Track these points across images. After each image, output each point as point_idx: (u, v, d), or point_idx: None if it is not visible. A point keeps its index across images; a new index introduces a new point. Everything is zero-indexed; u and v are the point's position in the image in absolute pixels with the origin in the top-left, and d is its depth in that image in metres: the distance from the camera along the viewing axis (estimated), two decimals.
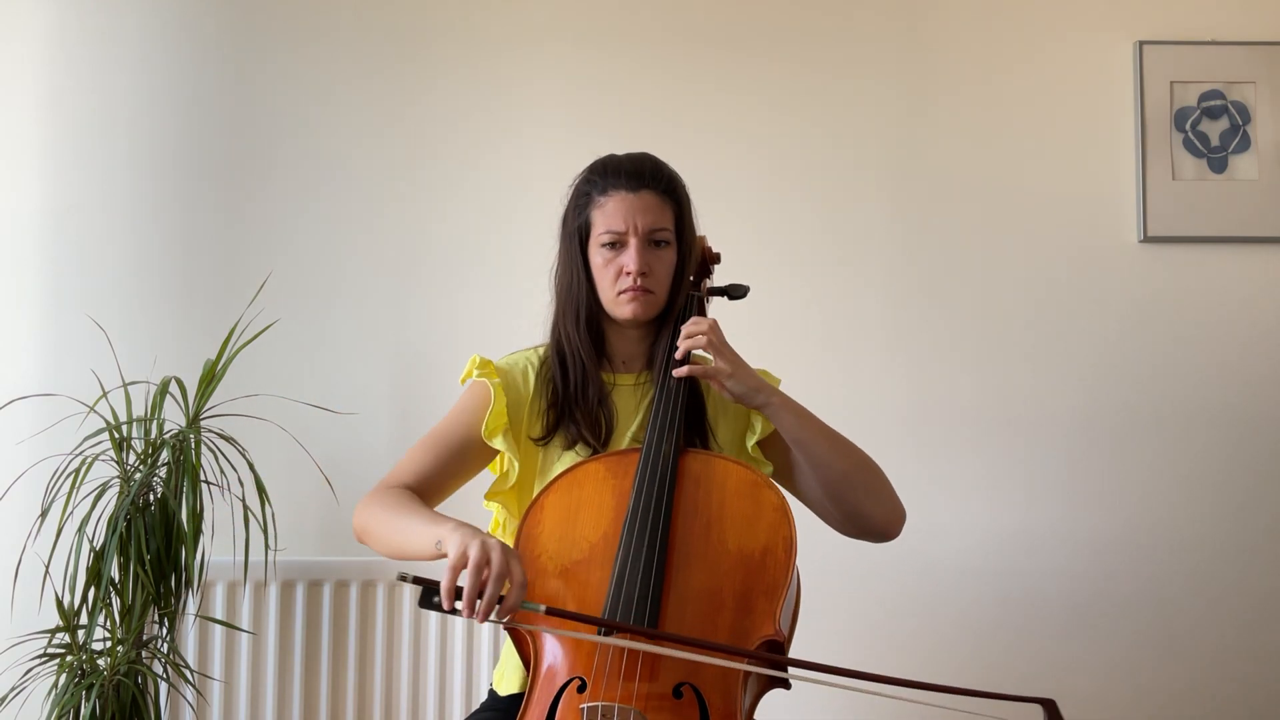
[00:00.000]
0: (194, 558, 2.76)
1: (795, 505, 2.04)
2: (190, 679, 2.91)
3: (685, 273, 2.19)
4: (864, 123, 3.35)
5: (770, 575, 1.90)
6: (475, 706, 2.96)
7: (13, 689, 2.75)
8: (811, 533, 2.16)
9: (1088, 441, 3.30)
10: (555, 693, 1.83)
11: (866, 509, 2.12)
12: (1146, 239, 3.31)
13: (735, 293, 2.29)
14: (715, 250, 2.31)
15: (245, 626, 3.02)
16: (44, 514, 2.78)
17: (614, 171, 2.15)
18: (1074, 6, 3.38)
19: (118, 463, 2.84)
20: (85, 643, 2.76)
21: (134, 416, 2.89)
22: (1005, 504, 3.28)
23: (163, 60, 3.27)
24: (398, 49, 3.31)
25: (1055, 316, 3.32)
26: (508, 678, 2.17)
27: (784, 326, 3.27)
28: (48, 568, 2.77)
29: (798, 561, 1.95)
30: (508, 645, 2.18)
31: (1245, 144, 3.33)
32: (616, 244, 2.12)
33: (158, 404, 2.86)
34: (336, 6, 3.31)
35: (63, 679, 2.74)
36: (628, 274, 2.11)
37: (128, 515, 2.74)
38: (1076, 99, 3.36)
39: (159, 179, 3.25)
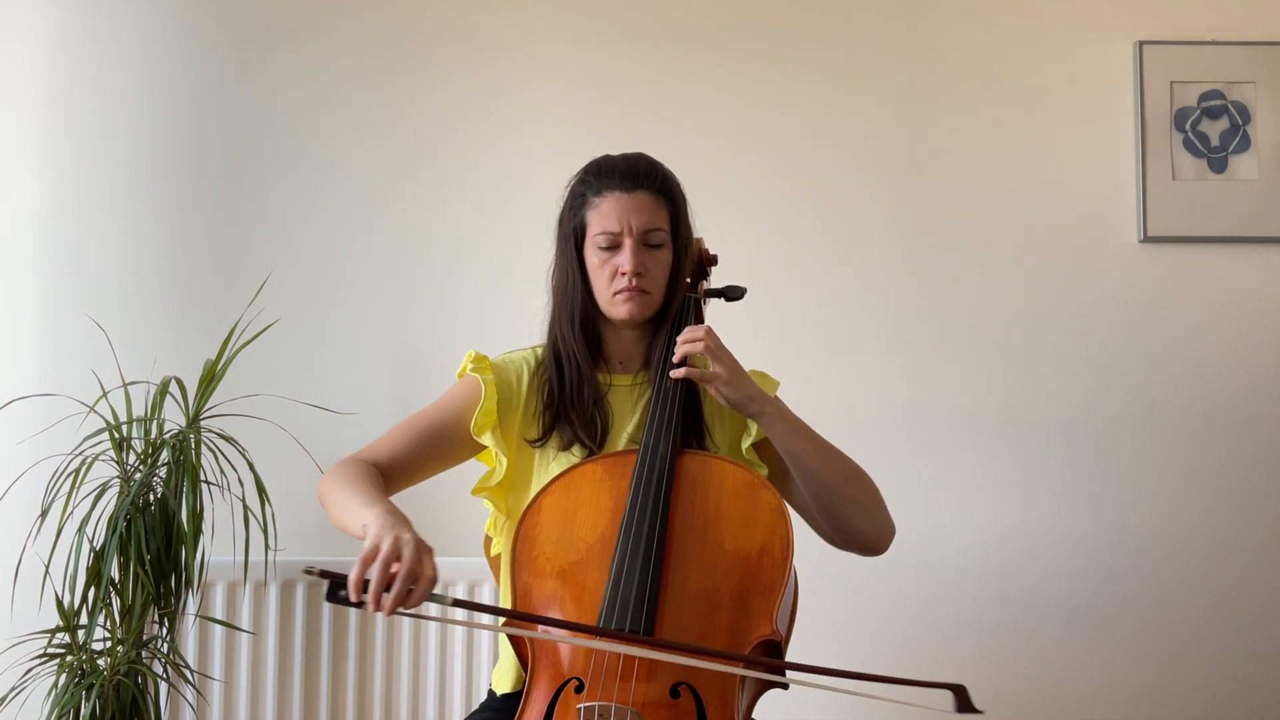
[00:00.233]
0: (194, 558, 2.77)
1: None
2: (190, 679, 2.91)
3: (681, 273, 2.19)
4: (864, 123, 3.35)
5: (767, 575, 1.90)
6: (475, 706, 2.96)
7: (13, 689, 2.75)
8: (809, 533, 2.16)
9: (1087, 441, 3.30)
10: (553, 693, 1.83)
11: (855, 524, 2.11)
12: (1146, 239, 3.31)
13: (732, 294, 2.29)
14: (712, 252, 2.31)
15: (245, 626, 3.03)
16: (44, 514, 2.79)
17: (608, 172, 2.15)
18: (1074, 6, 3.38)
19: (118, 463, 2.84)
20: (85, 643, 2.76)
21: (134, 416, 2.90)
22: (1004, 504, 3.28)
23: (163, 60, 3.28)
24: (398, 49, 3.31)
25: (1055, 317, 3.32)
26: (506, 676, 2.17)
27: (783, 327, 3.27)
28: (48, 568, 2.77)
29: (795, 562, 1.95)
30: (505, 644, 2.18)
31: (1245, 144, 3.32)
32: (612, 245, 2.12)
33: (158, 404, 2.87)
34: (336, 6, 3.31)
35: (63, 679, 2.75)
36: (623, 274, 2.11)
37: (128, 515, 2.75)
38: (1076, 99, 3.36)
39: (159, 179, 3.25)
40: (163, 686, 2.84)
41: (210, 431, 2.89)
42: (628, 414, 2.18)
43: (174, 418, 2.90)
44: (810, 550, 2.20)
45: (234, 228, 3.26)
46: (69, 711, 2.70)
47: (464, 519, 2.90)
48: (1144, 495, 3.29)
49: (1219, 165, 3.32)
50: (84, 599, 2.77)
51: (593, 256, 2.14)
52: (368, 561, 1.74)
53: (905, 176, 3.34)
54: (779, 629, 1.87)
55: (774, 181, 3.33)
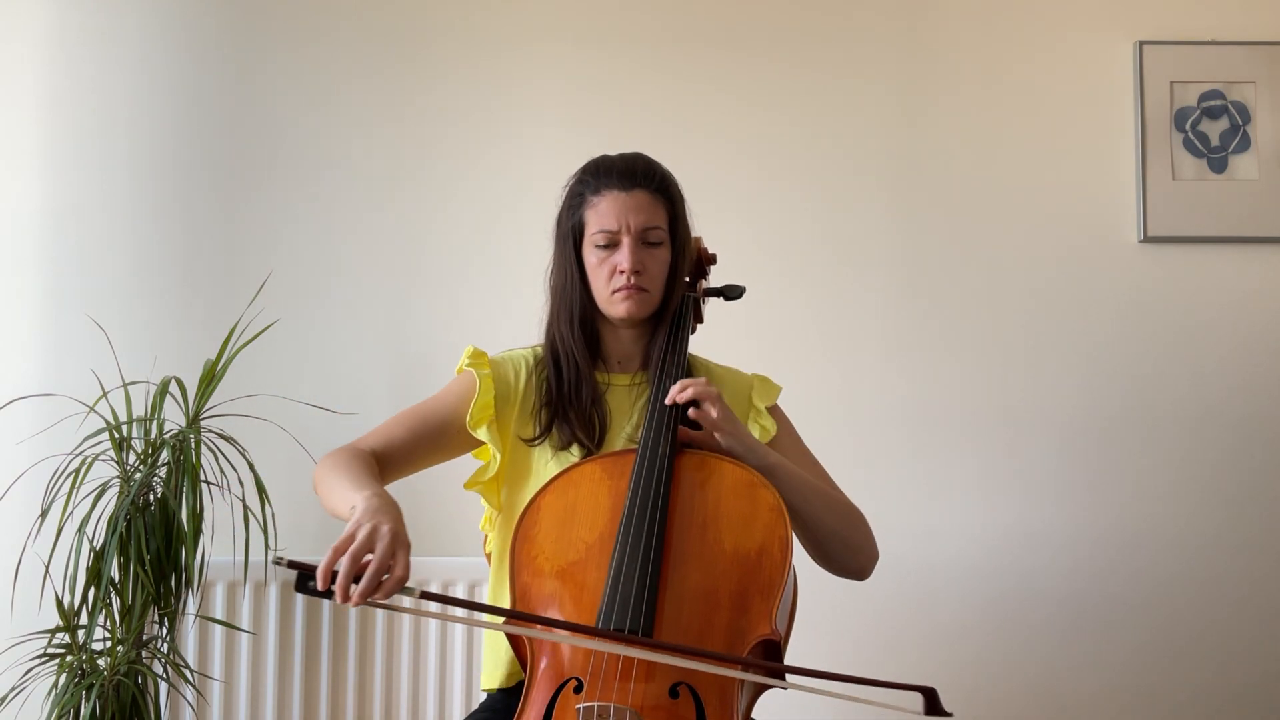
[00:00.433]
0: (194, 558, 2.77)
1: None
2: (190, 679, 2.91)
3: (680, 271, 2.20)
4: (863, 123, 3.35)
5: (766, 575, 1.90)
6: (475, 706, 2.96)
7: (13, 689, 2.75)
8: None
9: (1087, 441, 3.30)
10: (552, 693, 1.83)
11: (844, 560, 2.16)
12: (1146, 239, 3.31)
13: (731, 293, 2.29)
14: (711, 251, 2.32)
15: (245, 626, 3.03)
16: (44, 514, 2.79)
17: (606, 171, 2.16)
18: (1074, 6, 3.38)
19: (118, 463, 2.84)
20: (85, 643, 2.76)
21: (134, 416, 2.90)
22: (1003, 503, 3.28)
23: (163, 60, 3.28)
24: (398, 49, 3.31)
25: (1055, 316, 3.32)
26: (494, 671, 2.18)
27: (783, 327, 3.27)
28: (48, 568, 2.77)
29: (794, 561, 1.95)
30: (489, 640, 2.19)
31: (1245, 144, 3.32)
32: (610, 243, 2.13)
33: (158, 404, 2.87)
34: (336, 6, 3.31)
35: (63, 679, 2.75)
36: (621, 273, 2.11)
37: (128, 515, 2.75)
38: (1076, 99, 3.36)
39: (159, 179, 3.25)
40: (163, 686, 2.84)
41: (210, 431, 2.89)
42: (626, 413, 2.19)
43: (174, 418, 2.90)
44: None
45: (234, 228, 3.26)
46: (69, 711, 2.70)
47: (464, 518, 2.91)
48: (1143, 495, 3.29)
49: (1219, 165, 3.32)
50: (84, 599, 2.76)
51: (591, 255, 2.14)
52: (339, 552, 1.73)
53: (905, 176, 3.34)
54: (778, 628, 1.87)
55: (774, 181, 3.33)
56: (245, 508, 2.83)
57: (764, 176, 3.32)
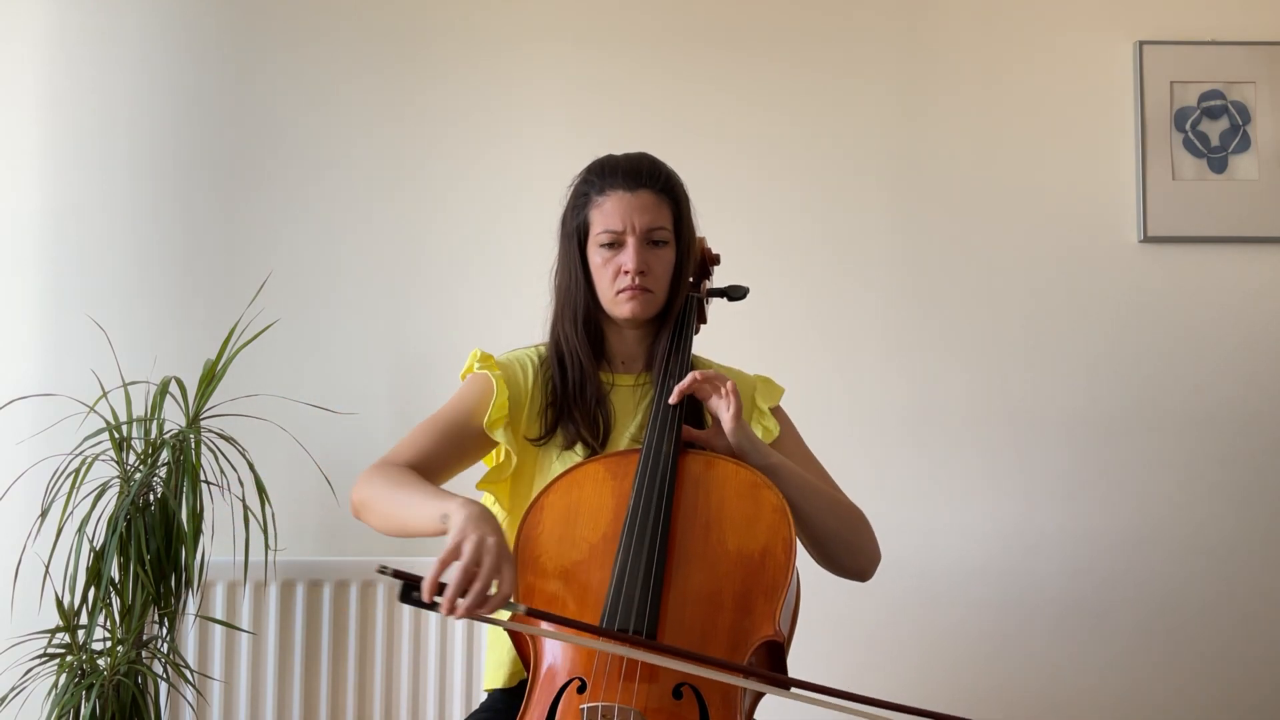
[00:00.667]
0: (194, 558, 2.77)
1: None
2: (190, 679, 2.91)
3: (684, 272, 2.20)
4: (864, 123, 3.35)
5: (770, 576, 1.90)
6: (475, 706, 2.96)
7: (13, 689, 2.75)
8: None
9: (1087, 441, 3.30)
10: (555, 693, 1.83)
11: (846, 561, 2.16)
12: (1146, 239, 3.31)
13: (735, 294, 2.29)
14: (715, 252, 2.32)
15: (245, 626, 3.02)
16: (44, 514, 2.78)
17: (611, 171, 2.16)
18: (1074, 6, 3.38)
19: (118, 463, 2.84)
20: (85, 643, 2.76)
21: (134, 416, 2.89)
22: (1004, 504, 3.28)
23: (163, 60, 3.27)
24: (398, 49, 3.31)
25: (1055, 317, 3.32)
26: (496, 671, 2.18)
27: (783, 327, 3.27)
28: (48, 568, 2.77)
29: (797, 562, 1.95)
30: (491, 639, 2.18)
31: (1245, 144, 3.33)
32: (615, 243, 2.13)
33: (158, 404, 2.87)
34: (336, 6, 3.30)
35: (63, 679, 2.74)
36: (626, 273, 2.11)
37: (128, 515, 2.74)
38: (1076, 99, 3.36)
39: (159, 179, 3.25)
40: (163, 686, 2.84)
41: (210, 431, 2.89)
42: (630, 414, 2.19)
43: (174, 418, 2.90)
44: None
45: (234, 228, 3.26)
46: (69, 711, 2.70)
47: None
48: (1144, 495, 3.29)
49: (1219, 165, 3.32)
50: (84, 599, 2.76)
51: (596, 255, 2.14)
52: (447, 563, 1.74)
53: (905, 176, 3.34)
54: (781, 630, 1.87)
55: (774, 181, 3.33)
56: (245, 508, 2.83)
57: (764, 176, 3.32)
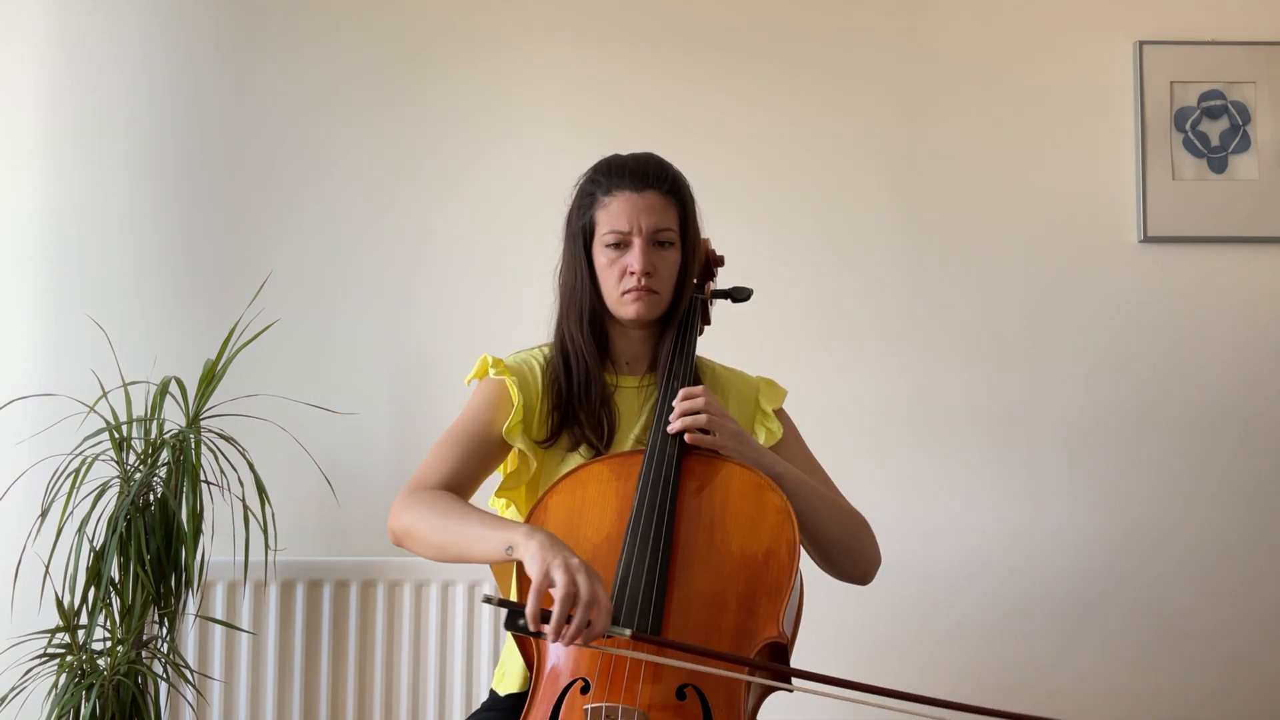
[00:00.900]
0: (194, 558, 2.77)
1: None
2: (190, 679, 2.91)
3: (689, 273, 2.19)
4: (864, 123, 3.35)
5: (773, 577, 1.90)
6: (475, 706, 2.96)
7: (13, 689, 2.75)
8: None
9: (1088, 442, 3.30)
10: (559, 694, 1.82)
11: (848, 566, 2.15)
12: (1146, 239, 3.31)
13: (739, 295, 2.29)
14: (719, 253, 2.31)
15: (245, 626, 3.02)
16: (44, 514, 2.78)
17: (618, 171, 2.15)
18: (1074, 6, 3.38)
19: (118, 463, 2.84)
20: (85, 643, 2.76)
21: (134, 416, 2.89)
22: (1005, 504, 3.28)
23: (163, 60, 3.27)
24: (398, 49, 3.30)
25: (1055, 317, 3.32)
26: (508, 677, 2.17)
27: (784, 328, 3.27)
28: (48, 568, 2.77)
29: (801, 563, 1.95)
30: (508, 645, 2.18)
31: (1245, 144, 3.33)
32: (621, 244, 2.12)
33: (158, 404, 2.87)
34: (336, 7, 3.30)
35: (63, 679, 2.74)
36: (632, 274, 2.11)
37: (128, 515, 2.74)
38: (1076, 99, 3.36)
39: (159, 179, 3.25)
40: (163, 686, 2.84)
41: (210, 431, 2.89)
42: (634, 415, 2.18)
43: (174, 418, 2.90)
44: None
45: (234, 228, 3.26)
46: (69, 711, 2.70)
47: None
48: (1145, 494, 3.29)
49: (1219, 165, 3.32)
50: (84, 599, 2.76)
51: (601, 256, 2.14)
52: (541, 591, 1.73)
53: (905, 176, 3.34)
54: (785, 631, 1.87)
55: (774, 182, 3.33)
56: (245, 508, 2.83)
57: (764, 176, 3.32)
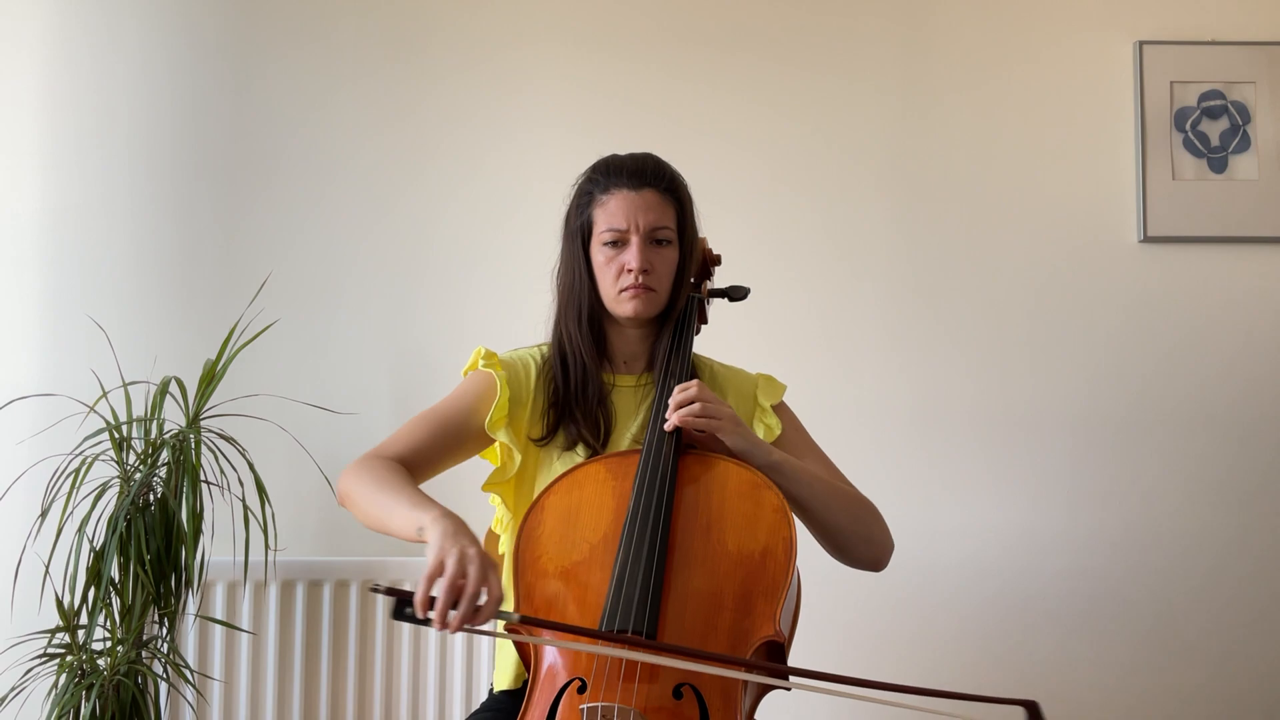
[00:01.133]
0: (194, 558, 2.77)
1: None
2: (190, 679, 2.91)
3: (687, 272, 2.20)
4: (864, 123, 3.35)
5: (770, 576, 1.90)
6: (475, 706, 2.96)
7: (13, 689, 2.75)
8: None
9: (1088, 441, 3.30)
10: (556, 693, 1.83)
11: (859, 552, 2.15)
12: (1146, 239, 3.31)
13: (736, 294, 2.30)
14: (716, 252, 2.32)
15: (245, 626, 3.02)
16: (44, 514, 2.78)
17: (616, 170, 2.16)
18: (1074, 6, 3.38)
19: (118, 463, 2.84)
20: (85, 643, 2.76)
21: (134, 416, 2.89)
22: (1006, 504, 3.28)
23: (163, 60, 3.27)
24: (397, 49, 3.30)
25: (1055, 317, 3.32)
26: (503, 674, 2.18)
27: (784, 328, 3.27)
28: (48, 568, 2.77)
29: (798, 562, 1.95)
30: (502, 641, 2.18)
31: (1245, 144, 3.33)
32: (618, 242, 2.13)
33: (158, 404, 2.87)
34: (336, 6, 3.30)
35: (63, 679, 2.74)
36: (629, 271, 2.12)
37: (128, 515, 2.74)
38: (1076, 99, 3.36)
39: (159, 179, 3.25)
40: (163, 686, 2.84)
41: (210, 431, 2.89)
42: (631, 414, 2.19)
43: (174, 418, 2.90)
44: (814, 551, 2.20)
45: (234, 228, 3.26)
46: (69, 711, 2.70)
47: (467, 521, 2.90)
48: (1145, 493, 3.29)
49: (1219, 165, 3.32)
50: (84, 599, 2.76)
51: (599, 254, 2.14)
52: (433, 579, 1.72)
53: (905, 176, 3.34)
54: (782, 630, 1.87)
55: (774, 182, 3.33)
56: (245, 508, 2.83)
57: (764, 176, 3.32)
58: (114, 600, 2.78)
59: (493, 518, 2.26)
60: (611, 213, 2.13)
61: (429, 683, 3.07)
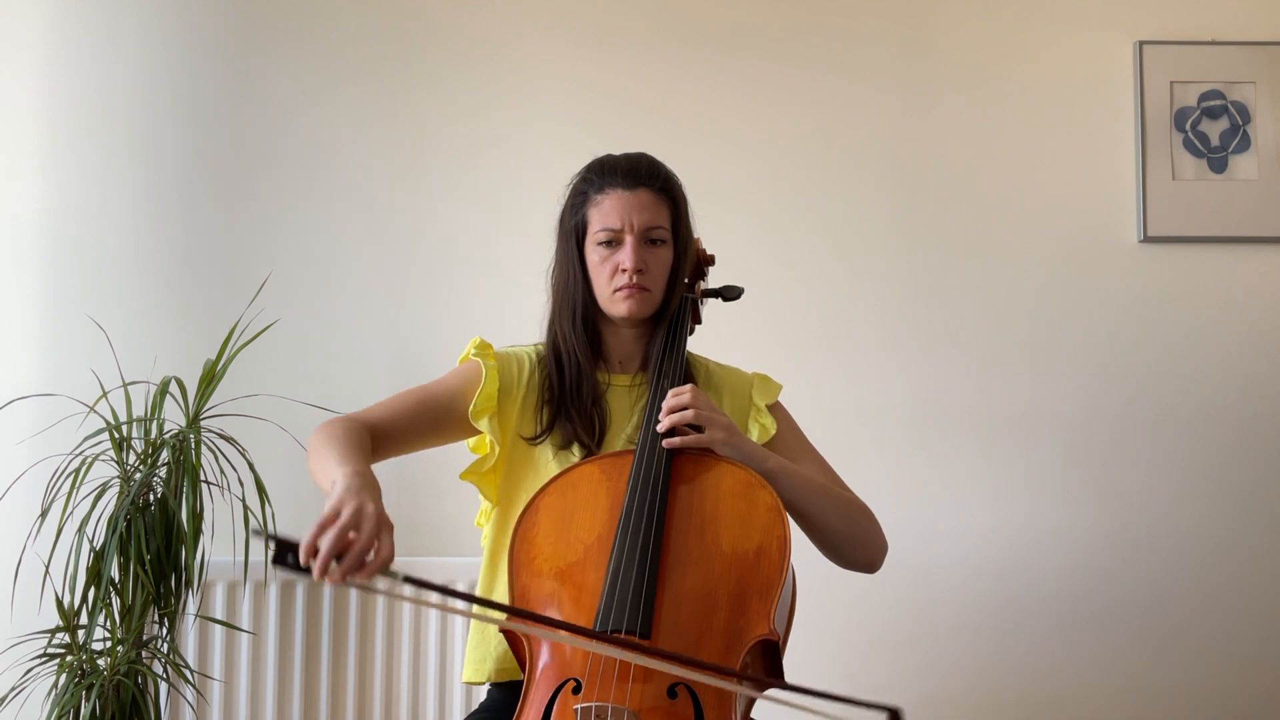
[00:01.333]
0: (194, 558, 2.77)
1: None
2: (190, 679, 2.91)
3: (681, 272, 2.20)
4: (864, 123, 3.34)
5: (764, 575, 1.90)
6: (475, 707, 2.96)
7: (13, 689, 2.75)
8: None
9: (1088, 441, 3.30)
10: (551, 694, 1.83)
11: (854, 555, 2.16)
12: (1146, 239, 3.31)
13: (729, 294, 2.30)
14: (710, 252, 2.32)
15: (245, 626, 3.03)
16: (44, 514, 2.79)
17: (611, 170, 2.16)
18: (1074, 6, 3.38)
19: (118, 463, 2.84)
20: (85, 643, 2.76)
21: (134, 416, 2.90)
22: (1005, 504, 3.28)
23: (163, 60, 3.27)
24: (397, 49, 3.31)
25: (1055, 317, 3.32)
26: (475, 665, 2.18)
27: (783, 328, 3.27)
28: (48, 568, 2.78)
29: (794, 561, 1.95)
30: (476, 634, 2.18)
31: (1245, 144, 3.32)
32: (613, 241, 2.13)
33: (158, 404, 2.87)
34: (336, 6, 3.31)
35: (63, 679, 2.74)
36: (624, 271, 2.12)
37: (128, 515, 2.75)
38: (1076, 99, 3.36)
39: (159, 179, 3.25)
40: (163, 686, 2.84)
41: (210, 431, 2.89)
42: (626, 414, 2.19)
43: (174, 418, 2.90)
44: (809, 551, 2.20)
45: (234, 228, 3.26)
46: (69, 711, 2.70)
47: (461, 517, 2.91)
48: (1144, 495, 3.29)
49: (1219, 165, 3.32)
50: (84, 599, 2.76)
51: (593, 254, 2.15)
52: (325, 526, 1.69)
53: (905, 176, 3.34)
54: (776, 629, 1.87)
55: (774, 182, 3.33)
56: (245, 508, 2.83)
57: (764, 176, 3.32)
58: (114, 600, 2.79)
59: (478, 511, 2.27)
60: (606, 212, 2.13)
61: (429, 683, 3.07)
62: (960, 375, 3.30)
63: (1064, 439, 3.29)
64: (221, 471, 2.85)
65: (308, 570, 1.66)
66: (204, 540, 2.82)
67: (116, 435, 2.85)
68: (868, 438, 3.27)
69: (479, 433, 2.20)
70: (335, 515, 1.71)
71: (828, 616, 3.13)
